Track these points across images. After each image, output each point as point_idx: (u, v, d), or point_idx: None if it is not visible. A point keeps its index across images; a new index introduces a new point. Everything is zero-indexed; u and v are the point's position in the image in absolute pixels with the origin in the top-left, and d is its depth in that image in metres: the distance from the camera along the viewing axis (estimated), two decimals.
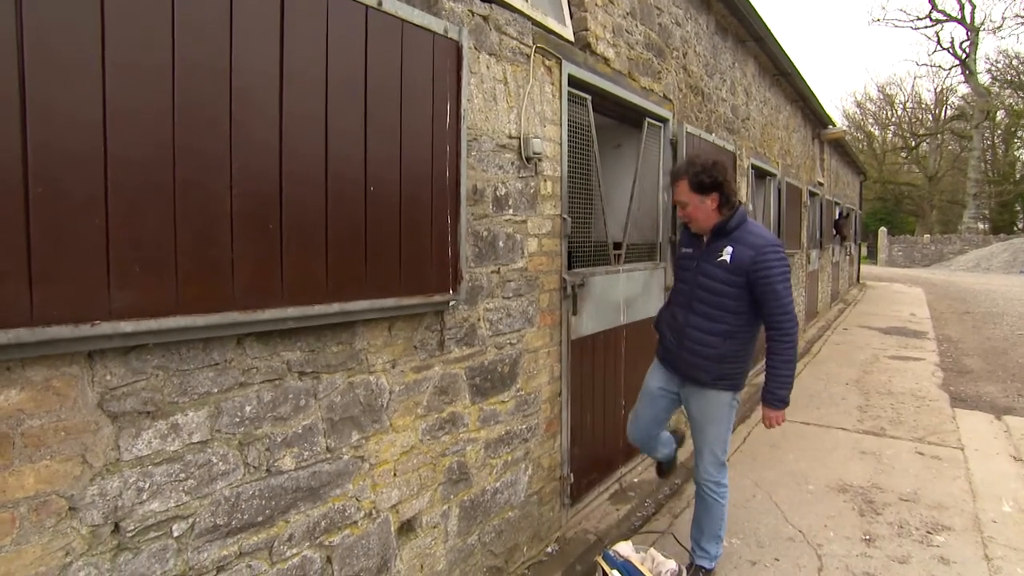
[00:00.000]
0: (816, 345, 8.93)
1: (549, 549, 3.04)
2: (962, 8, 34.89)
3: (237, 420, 1.66)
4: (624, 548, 2.74)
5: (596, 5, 3.34)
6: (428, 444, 2.28)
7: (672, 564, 2.67)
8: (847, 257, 16.22)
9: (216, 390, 1.61)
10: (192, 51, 1.44)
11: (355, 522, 2.02)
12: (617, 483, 3.76)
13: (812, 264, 10.31)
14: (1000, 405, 5.89)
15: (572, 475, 3.19)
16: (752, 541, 3.22)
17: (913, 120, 40.69)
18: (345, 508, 1.98)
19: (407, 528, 2.22)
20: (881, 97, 41.92)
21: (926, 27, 41.04)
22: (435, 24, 2.08)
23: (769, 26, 5.90)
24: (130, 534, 1.47)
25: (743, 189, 5.95)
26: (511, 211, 2.61)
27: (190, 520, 1.59)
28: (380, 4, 1.87)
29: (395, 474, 2.15)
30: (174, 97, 1.41)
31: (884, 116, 42.08)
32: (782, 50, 6.56)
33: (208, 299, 1.51)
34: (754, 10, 5.44)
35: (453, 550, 2.43)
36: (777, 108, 7.62)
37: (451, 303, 2.22)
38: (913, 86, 54.19)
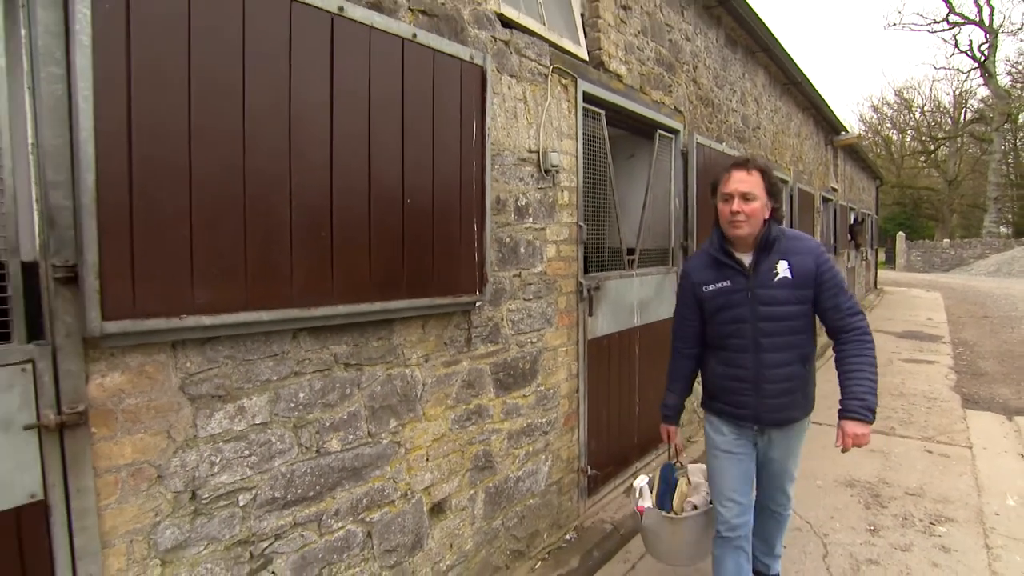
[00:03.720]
0: (830, 350, 9.00)
1: (568, 537, 3.23)
2: (980, 11, 34.57)
3: (292, 405, 1.89)
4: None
5: (609, 25, 3.56)
6: (457, 433, 2.49)
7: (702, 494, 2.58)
8: (863, 262, 16.21)
9: (275, 378, 1.84)
10: (258, 84, 1.68)
11: (392, 501, 2.23)
12: (632, 477, 3.94)
13: None
14: (1012, 407, 5.96)
15: (589, 467, 3.38)
16: None
17: (932, 124, 40.34)
18: (384, 488, 2.20)
19: (438, 509, 2.43)
20: (898, 101, 41.65)
21: (943, 30, 40.78)
22: (462, 52, 2.31)
23: (778, 37, 6.07)
24: (204, 501, 1.70)
25: None
26: (531, 219, 2.83)
27: (253, 492, 1.81)
28: (415, 36, 2.10)
29: (427, 459, 2.36)
30: (244, 126, 1.65)
31: (902, 120, 41.79)
32: (791, 60, 6.73)
33: (270, 298, 1.74)
34: (762, 22, 5.62)
35: (479, 532, 2.64)
36: (788, 116, 7.77)
37: (477, 303, 2.44)
38: (931, 89, 53.80)
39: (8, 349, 1.36)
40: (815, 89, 8.04)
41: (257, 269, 1.70)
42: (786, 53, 6.49)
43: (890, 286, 20.83)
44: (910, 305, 15.16)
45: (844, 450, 2.14)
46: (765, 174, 2.20)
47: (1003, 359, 8.33)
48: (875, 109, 43.46)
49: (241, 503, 1.79)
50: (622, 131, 4.17)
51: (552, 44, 3.04)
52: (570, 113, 3.15)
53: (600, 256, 3.60)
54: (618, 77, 3.63)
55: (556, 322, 3.06)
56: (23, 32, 1.38)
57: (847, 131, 11.06)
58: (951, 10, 35.87)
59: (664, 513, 2.53)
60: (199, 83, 1.55)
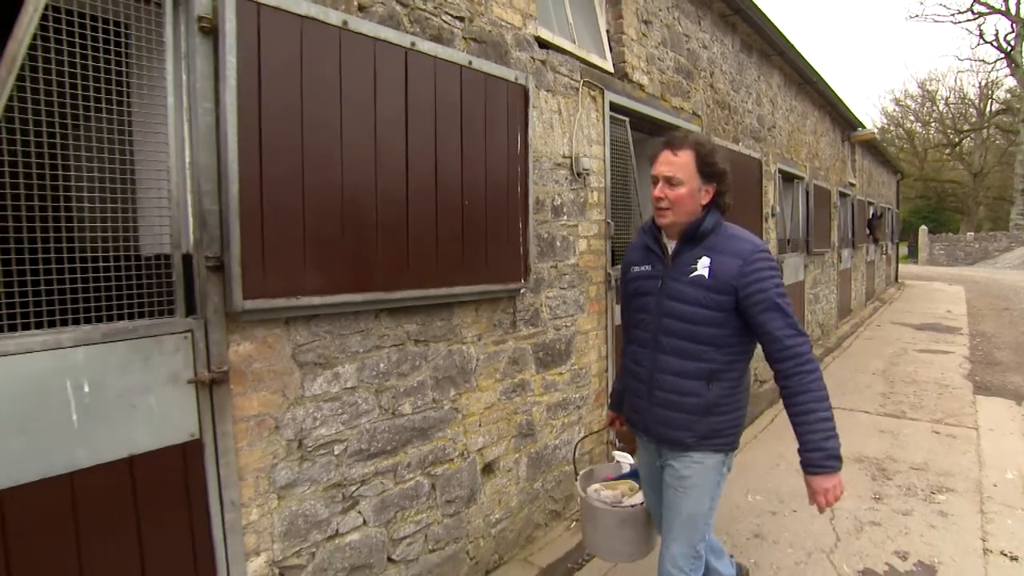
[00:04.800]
0: (847, 341, 9.25)
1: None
2: (1006, 0, 34.10)
3: (374, 373, 2.28)
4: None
5: (632, 39, 3.91)
6: (504, 403, 2.87)
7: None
8: (883, 256, 16.30)
9: (361, 350, 2.24)
10: (351, 111, 2.07)
11: (452, 459, 2.62)
12: None
13: (844, 263, 10.61)
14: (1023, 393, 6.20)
15: (617, 440, 3.74)
16: (774, 498, 3.72)
17: (956, 116, 39.85)
18: (445, 447, 2.59)
19: (488, 469, 2.82)
20: (921, 93, 41.21)
21: (968, 20, 40.16)
22: (508, 74, 2.68)
23: (792, 41, 6.36)
24: (309, 449, 2.10)
25: (770, 192, 6.41)
26: (565, 217, 3.20)
27: (344, 444, 2.21)
28: (470, 63, 2.48)
29: (480, 424, 2.75)
30: (341, 146, 2.04)
31: (925, 112, 41.35)
32: (806, 61, 7.00)
33: (360, 283, 2.13)
34: (776, 28, 5.91)
35: (523, 492, 3.02)
36: (804, 115, 8.03)
37: (522, 290, 2.82)
38: (956, 81, 53.02)
39: (174, 322, 1.77)
40: (830, 88, 8.29)
41: (351, 259, 2.09)
42: (800, 55, 6.76)
43: (912, 280, 20.83)
44: (930, 298, 15.25)
45: (820, 510, 1.83)
46: (699, 154, 1.86)
47: (1019, 349, 8.51)
48: (897, 102, 43.06)
49: (335, 453, 2.18)
50: (644, 134, 4.51)
51: (582, 60, 3.40)
52: (598, 121, 3.51)
53: (624, 250, 3.94)
54: (641, 87, 3.98)
55: (587, 309, 3.43)
56: (184, 77, 1.78)
57: (864, 127, 11.24)
58: (976, 0, 35.40)
59: (592, 497, 2.34)
60: (308, 114, 1.95)
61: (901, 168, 19.38)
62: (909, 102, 42.14)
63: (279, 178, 1.88)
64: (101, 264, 1.68)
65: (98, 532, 1.64)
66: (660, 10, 4.27)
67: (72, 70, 1.59)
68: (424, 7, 2.44)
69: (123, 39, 1.72)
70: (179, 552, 1.80)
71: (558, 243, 3.16)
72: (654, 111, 4.08)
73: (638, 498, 2.32)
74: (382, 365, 2.31)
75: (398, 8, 2.34)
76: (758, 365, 6.26)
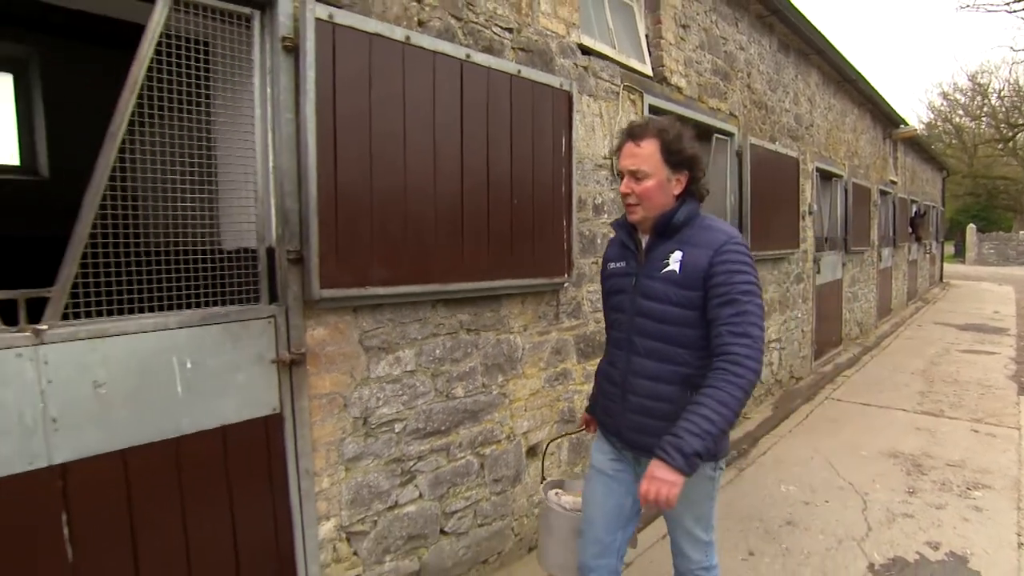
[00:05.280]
0: (887, 340, 9.16)
1: None
2: None
3: (431, 359, 2.49)
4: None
5: (670, 44, 4.04)
6: (547, 390, 3.05)
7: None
8: (927, 255, 15.95)
9: (419, 337, 2.44)
10: (412, 119, 2.27)
11: (499, 440, 2.81)
12: None
13: (884, 262, 10.48)
14: None
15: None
16: (807, 488, 3.82)
17: (1010, 109, 38.37)
18: (493, 430, 2.78)
19: (532, 452, 3.00)
20: (972, 87, 39.81)
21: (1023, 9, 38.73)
22: (553, 80, 2.85)
23: (830, 39, 6.36)
24: (372, 426, 2.31)
25: (808, 191, 6.44)
26: (606, 215, 3.36)
27: (404, 423, 2.42)
28: (519, 72, 2.66)
29: (525, 409, 2.93)
30: (404, 151, 2.25)
31: (975, 107, 39.92)
32: (845, 60, 6.98)
33: (420, 275, 2.33)
34: (814, 27, 5.94)
35: (564, 474, 3.19)
36: (843, 112, 7.99)
37: (565, 284, 2.99)
38: (1011, 73, 50.97)
39: (260, 308, 2.00)
40: (871, 85, 8.22)
41: (412, 254, 2.29)
42: (839, 54, 6.76)
43: (958, 280, 20.28)
44: (977, 299, 14.87)
45: (641, 499, 1.57)
46: (664, 142, 1.71)
47: None
48: (945, 96, 41.65)
49: (396, 430, 2.39)
50: None
51: (622, 65, 3.55)
52: None
53: None
54: (679, 89, 4.11)
55: None
56: (268, 90, 2.00)
57: (906, 124, 11.06)
58: None
59: (551, 500, 2.14)
60: (376, 122, 2.16)
61: (947, 165, 18.88)
62: (958, 96, 40.71)
63: (351, 180, 2.09)
64: (199, 256, 1.91)
65: (198, 489, 1.88)
66: (698, 14, 4.38)
67: (179, 87, 1.82)
68: (476, 20, 2.63)
69: (219, 59, 1.95)
70: (263, 512, 2.03)
71: (598, 240, 3.32)
72: (692, 112, 4.20)
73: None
74: (438, 351, 2.51)
75: (453, 22, 2.53)
76: (793, 363, 6.31)
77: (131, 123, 1.74)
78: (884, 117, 10.11)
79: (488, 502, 2.77)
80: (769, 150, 5.31)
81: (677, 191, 1.76)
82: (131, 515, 1.76)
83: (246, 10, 1.95)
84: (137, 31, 1.76)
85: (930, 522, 3.37)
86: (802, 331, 6.53)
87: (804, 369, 6.60)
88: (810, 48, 6.36)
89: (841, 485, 3.85)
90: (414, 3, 2.39)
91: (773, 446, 4.66)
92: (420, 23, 2.40)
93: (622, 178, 1.79)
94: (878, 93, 8.69)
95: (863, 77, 7.77)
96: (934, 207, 16.59)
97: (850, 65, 7.21)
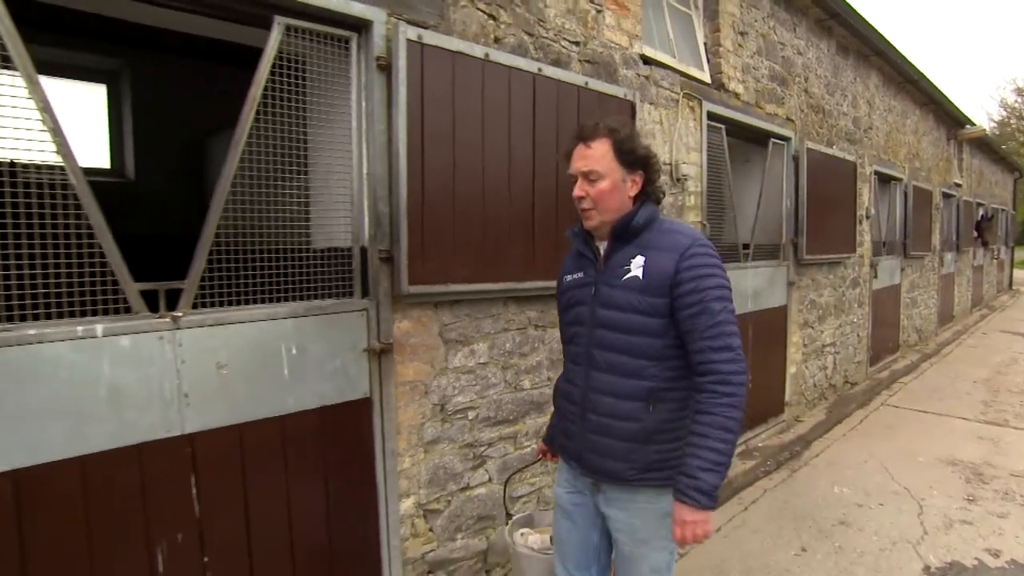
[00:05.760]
0: (948, 348, 8.91)
1: None
2: None
3: (502, 352, 2.67)
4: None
5: (728, 51, 4.12)
6: None
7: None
8: (994, 261, 15.33)
9: (492, 332, 2.62)
10: (490, 131, 2.45)
11: None
12: (744, 444, 4.48)
13: (946, 267, 10.18)
14: None
15: None
16: (860, 491, 3.84)
17: None
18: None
19: None
20: None
21: None
22: (618, 91, 3.00)
23: (891, 40, 6.29)
24: (449, 413, 2.51)
25: (865, 194, 6.37)
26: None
27: (476, 411, 2.60)
28: (587, 84, 2.82)
29: None
30: (483, 161, 2.43)
31: None
32: (906, 60, 6.87)
33: (494, 274, 2.51)
34: (874, 29, 5.89)
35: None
36: (903, 114, 7.84)
37: None
38: None
39: (354, 302, 2.22)
40: (934, 85, 8.03)
41: (488, 254, 2.48)
42: (900, 54, 6.66)
43: None
44: None
45: (678, 543, 1.55)
46: (616, 141, 1.63)
47: None
48: (1019, 92, 39.64)
49: (469, 418, 2.58)
50: (738, 140, 4.69)
51: (681, 73, 3.67)
52: (696, 130, 3.76)
53: (719, 250, 4.16)
54: (736, 95, 4.19)
55: None
56: (363, 104, 2.22)
57: (973, 124, 10.70)
58: None
59: (518, 544, 2.08)
60: (459, 133, 2.35)
61: (1020, 166, 18.04)
62: None
63: (436, 186, 2.29)
64: (302, 254, 2.14)
65: (299, 462, 2.11)
66: (756, 21, 4.44)
67: (289, 103, 2.05)
68: (546, 35, 2.80)
69: (319, 76, 2.17)
70: (353, 486, 2.25)
71: None
72: (749, 118, 4.27)
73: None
74: (508, 345, 2.69)
75: (526, 38, 2.71)
76: (847, 368, 6.26)
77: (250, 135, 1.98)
78: (948, 117, 9.83)
79: (550, 489, 2.93)
80: (826, 154, 5.31)
81: (633, 192, 1.67)
82: (244, 480, 2.00)
83: (346, 33, 2.17)
84: (218, 45, 1.99)
85: (990, 530, 3.37)
86: (857, 336, 6.46)
87: (859, 374, 6.52)
88: (870, 50, 6.29)
89: (896, 490, 3.86)
90: (491, 21, 2.57)
91: (826, 449, 4.67)
92: (496, 39, 2.59)
93: (575, 183, 1.68)
94: (942, 93, 8.48)
95: (926, 77, 7.61)
96: (1003, 210, 15.91)
97: (912, 65, 7.08)
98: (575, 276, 1.78)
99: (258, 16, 2.00)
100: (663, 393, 1.60)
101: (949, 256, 10.32)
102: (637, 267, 1.61)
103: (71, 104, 5.51)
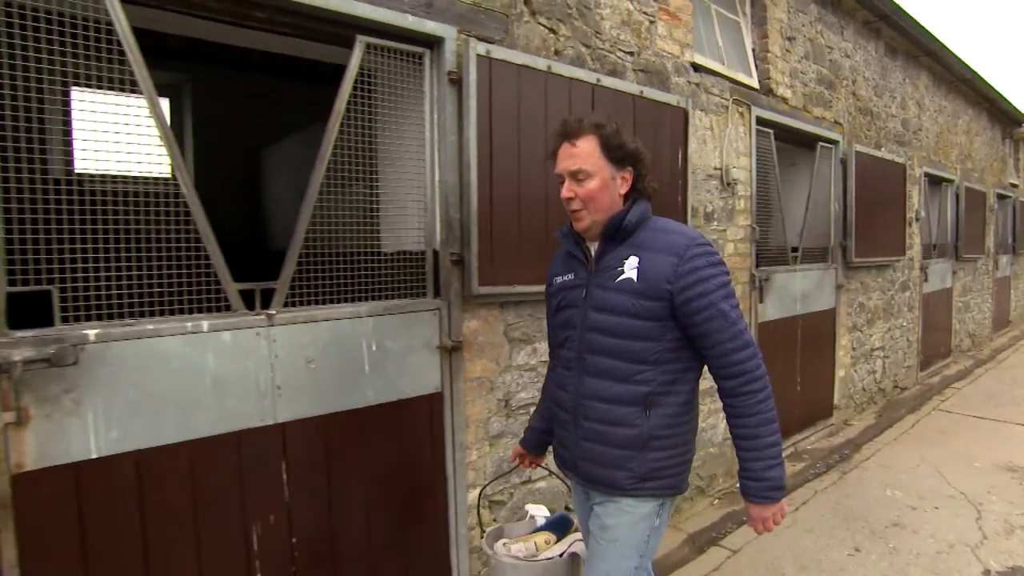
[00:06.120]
0: (1004, 353, 8.67)
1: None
2: None
3: None
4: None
5: (776, 56, 4.17)
6: None
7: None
8: None
9: None
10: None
11: None
12: (792, 447, 4.49)
13: (1002, 270, 9.90)
14: None
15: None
16: (913, 494, 3.82)
17: None
18: None
19: None
20: None
21: None
22: (671, 99, 3.09)
23: (941, 39, 6.20)
24: (512, 408, 2.62)
25: (915, 197, 6.29)
26: (716, 223, 3.55)
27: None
28: (642, 93, 2.92)
29: None
30: (545, 167, 2.55)
31: None
32: (958, 59, 6.75)
33: None
34: (924, 29, 5.82)
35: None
36: (955, 114, 7.69)
37: None
38: None
39: (427, 301, 2.36)
40: (988, 83, 7.85)
41: (551, 257, 2.59)
42: (952, 53, 6.55)
43: None
44: None
45: (759, 530, 1.62)
46: (603, 137, 1.58)
47: None
48: None
49: (531, 413, 2.69)
50: (785, 144, 4.72)
51: (731, 80, 3.73)
52: (745, 135, 3.81)
53: (768, 253, 4.20)
54: (784, 100, 4.22)
55: None
56: (435, 116, 2.36)
57: None
58: None
59: (501, 554, 1.97)
60: (523, 142, 2.47)
61: None
62: None
63: (503, 193, 2.42)
64: (377, 257, 2.29)
65: (377, 453, 2.25)
66: (803, 26, 4.47)
67: (363, 115, 2.20)
68: (602, 46, 2.91)
69: (394, 91, 2.32)
70: (425, 476, 2.39)
71: None
72: (797, 122, 4.30)
73: (556, 549, 1.97)
74: None
75: (583, 49, 2.82)
76: (896, 372, 6.18)
77: (335, 146, 2.13)
78: (1003, 116, 9.57)
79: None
80: (874, 157, 5.28)
81: (623, 190, 1.62)
82: (328, 468, 2.16)
83: (419, 49, 2.32)
84: (272, 58, 2.14)
85: None
86: (907, 340, 6.37)
87: (909, 379, 6.42)
88: (919, 50, 6.22)
89: (951, 494, 3.83)
90: (551, 35, 2.70)
91: (876, 452, 4.64)
92: (556, 52, 2.71)
93: (561, 184, 1.62)
94: (996, 90, 8.28)
95: (979, 75, 7.46)
96: None
97: (964, 64, 6.96)
98: (565, 278, 1.74)
99: (341, 36, 2.17)
100: (660, 398, 1.56)
101: (1004, 259, 10.03)
102: (631, 268, 1.56)
103: (136, 117, 5.85)
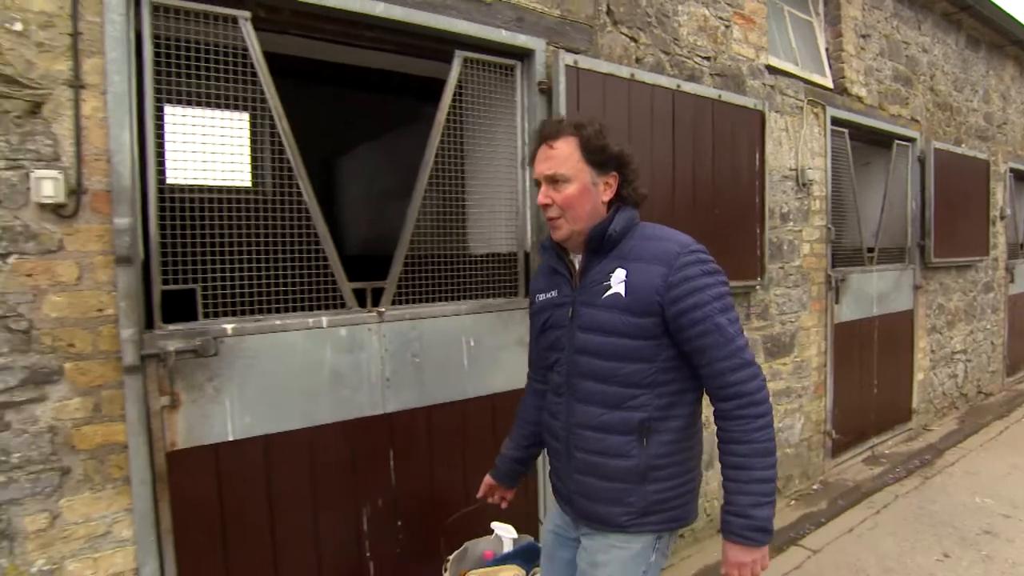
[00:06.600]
0: None
1: (814, 486, 3.86)
2: None
3: None
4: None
5: (850, 55, 4.13)
6: None
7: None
8: None
9: None
10: (635, 144, 2.67)
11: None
12: (869, 450, 4.41)
13: None
14: None
15: (833, 431, 3.97)
16: (1006, 503, 3.70)
17: None
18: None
19: None
20: None
21: None
22: (748, 102, 3.14)
23: None
24: None
25: (999, 194, 6.05)
26: (791, 224, 3.55)
27: None
28: (720, 97, 2.98)
29: None
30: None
31: None
32: None
33: None
34: (1009, 16, 5.60)
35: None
36: None
37: (756, 287, 3.24)
38: None
39: (519, 300, 2.49)
40: None
41: None
42: None
43: None
44: None
45: None
46: (583, 138, 1.43)
47: None
48: None
49: None
50: (860, 143, 4.65)
51: (806, 81, 3.73)
52: (820, 135, 3.80)
53: (843, 253, 4.17)
54: (859, 99, 4.18)
55: (809, 307, 3.73)
56: (526, 124, 2.49)
57: None
58: None
59: None
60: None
61: None
62: None
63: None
64: (470, 258, 2.43)
65: (474, 444, 2.39)
66: (878, 22, 4.41)
67: (463, 125, 2.35)
68: (680, 52, 2.98)
69: (484, 101, 2.46)
70: None
71: (785, 247, 3.52)
72: (872, 121, 4.25)
73: None
74: None
75: (662, 56, 2.91)
76: (980, 377, 5.95)
77: (437, 154, 2.29)
78: None
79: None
80: (954, 153, 5.13)
81: (607, 197, 1.47)
82: (431, 456, 2.31)
83: (511, 62, 2.46)
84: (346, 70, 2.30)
85: None
86: (991, 344, 6.12)
87: (994, 384, 6.17)
88: (1005, 40, 5.99)
89: (1007, 512, 3.69)
90: (632, 43, 2.79)
91: (961, 459, 4.50)
92: (637, 60, 2.80)
93: (539, 189, 1.49)
94: None
95: None
96: None
97: None
98: (549, 295, 1.58)
99: (441, 51, 2.32)
100: (657, 423, 1.41)
101: None
102: (618, 282, 1.40)
103: (220, 130, 6.23)
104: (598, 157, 1.44)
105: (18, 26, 1.59)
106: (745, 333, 3.22)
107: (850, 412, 4.19)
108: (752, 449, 1.34)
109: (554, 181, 1.44)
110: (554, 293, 1.56)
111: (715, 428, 1.43)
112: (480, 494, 1.87)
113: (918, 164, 4.80)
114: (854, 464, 4.23)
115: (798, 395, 3.69)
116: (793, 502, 3.66)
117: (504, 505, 1.88)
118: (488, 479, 1.86)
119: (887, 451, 4.51)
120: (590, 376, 1.45)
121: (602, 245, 1.44)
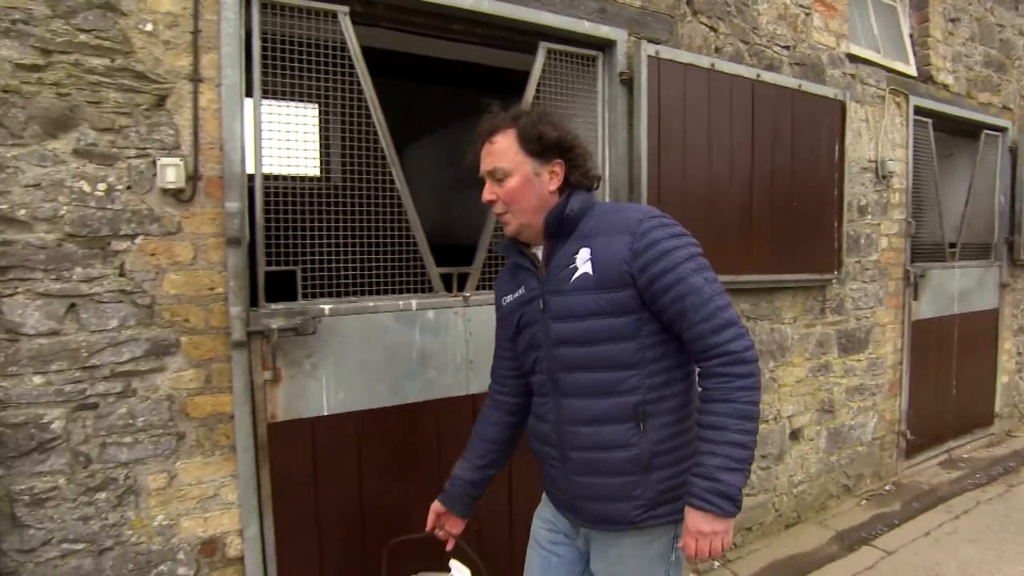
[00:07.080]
0: None
1: (887, 487, 3.76)
2: None
3: None
4: None
5: (937, 40, 3.97)
6: (810, 380, 3.25)
7: None
8: None
9: None
10: (714, 132, 2.66)
11: (767, 420, 3.09)
12: (946, 453, 4.26)
13: None
14: None
15: (908, 432, 3.86)
16: None
17: None
18: (763, 410, 3.00)
19: (795, 435, 3.23)
20: None
21: None
22: (828, 92, 3.07)
23: None
24: None
25: None
26: (869, 217, 3.46)
27: None
28: (800, 86, 2.93)
29: (791, 395, 3.17)
30: (709, 159, 2.64)
31: None
32: None
33: (718, 267, 2.70)
34: None
35: (821, 461, 3.37)
36: None
37: (832, 281, 3.18)
38: None
39: None
40: None
41: (713, 248, 2.66)
42: None
43: None
44: None
45: (692, 558, 1.29)
46: (520, 129, 1.38)
47: None
48: None
49: None
50: (942, 133, 4.46)
51: (887, 69, 3.61)
52: (902, 126, 3.68)
53: (923, 248, 4.03)
54: (945, 87, 4.01)
55: (886, 302, 3.63)
56: (607, 115, 2.52)
57: None
58: None
59: None
60: (688, 137, 2.58)
61: None
62: None
63: (670, 187, 2.54)
64: None
65: None
66: (970, 4, 4.21)
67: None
68: (759, 41, 2.95)
69: (565, 91, 2.49)
70: None
71: (862, 240, 3.43)
72: (958, 110, 4.07)
73: None
74: None
75: (741, 46, 2.88)
76: None
77: None
78: None
79: (755, 475, 3.06)
80: None
81: (554, 186, 1.40)
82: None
83: (592, 52, 2.49)
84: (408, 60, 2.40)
85: None
86: None
87: None
88: None
89: None
90: (712, 33, 2.77)
91: None
92: (716, 49, 2.78)
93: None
94: None
95: None
96: None
97: None
98: (516, 295, 1.49)
99: (526, 43, 2.37)
100: (653, 406, 1.32)
101: None
102: (584, 262, 1.33)
103: (291, 121, 6.48)
104: (535, 146, 1.37)
105: (149, 26, 1.72)
106: (819, 327, 3.17)
107: (926, 413, 4.05)
108: (732, 409, 1.23)
109: (495, 176, 1.40)
110: (521, 291, 1.48)
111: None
112: (429, 526, 1.65)
113: (1009, 155, 4.58)
114: (929, 467, 4.09)
115: (872, 393, 3.60)
116: (864, 502, 3.58)
117: (450, 545, 1.66)
118: (436, 505, 1.64)
119: (965, 455, 4.34)
120: (574, 367, 1.36)
121: (561, 228, 1.38)
